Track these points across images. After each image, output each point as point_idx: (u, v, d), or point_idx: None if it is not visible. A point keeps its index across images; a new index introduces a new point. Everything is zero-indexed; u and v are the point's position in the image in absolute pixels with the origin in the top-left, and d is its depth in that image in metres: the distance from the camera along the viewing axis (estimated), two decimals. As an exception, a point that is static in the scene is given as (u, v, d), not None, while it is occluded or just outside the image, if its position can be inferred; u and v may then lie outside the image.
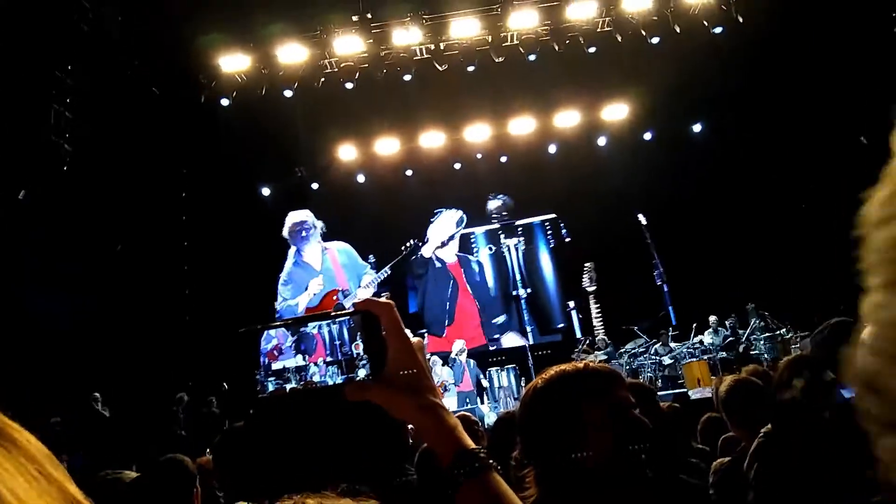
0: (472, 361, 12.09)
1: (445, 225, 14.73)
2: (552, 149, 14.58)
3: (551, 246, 14.53)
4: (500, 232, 14.63)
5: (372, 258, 14.26)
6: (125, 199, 11.45)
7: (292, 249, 14.32)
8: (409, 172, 14.60)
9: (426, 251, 14.55)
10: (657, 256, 11.95)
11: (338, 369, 1.07)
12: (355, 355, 1.05)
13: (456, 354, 11.92)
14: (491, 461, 0.99)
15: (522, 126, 14.13)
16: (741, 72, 12.43)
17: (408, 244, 13.66)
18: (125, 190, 11.40)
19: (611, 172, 14.02)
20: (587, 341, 12.22)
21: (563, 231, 14.40)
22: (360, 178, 14.61)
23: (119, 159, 11.20)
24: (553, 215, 14.48)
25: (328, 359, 1.08)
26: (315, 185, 14.54)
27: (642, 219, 12.45)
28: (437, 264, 14.61)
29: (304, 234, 14.27)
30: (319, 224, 14.41)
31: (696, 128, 14.36)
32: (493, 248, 14.70)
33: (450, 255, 14.72)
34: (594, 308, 11.23)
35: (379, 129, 13.95)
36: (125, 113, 11.30)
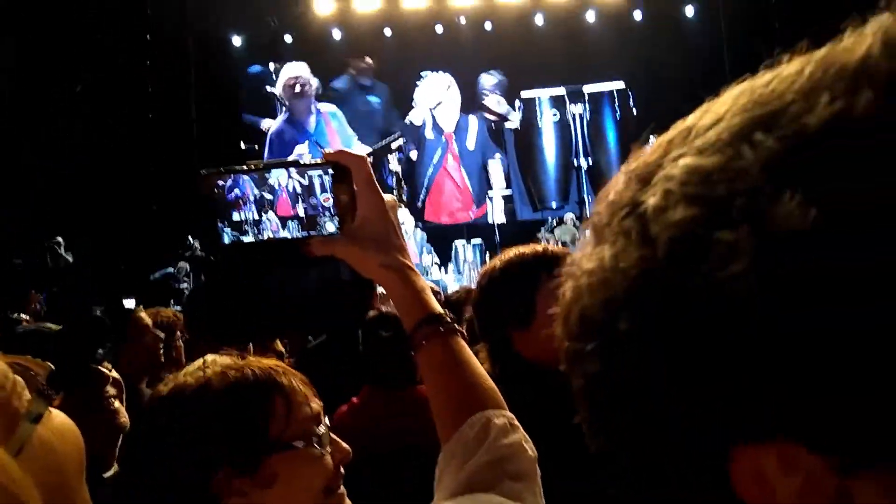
0: (421, 234, 12.08)
1: (433, 89, 14.13)
2: (539, 20, 14.02)
3: (617, 118, 14.14)
4: (566, 98, 14.09)
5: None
6: (85, 40, 10.85)
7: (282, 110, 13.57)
8: (387, 31, 13.96)
9: (415, 117, 14.03)
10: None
11: (297, 224, 1.03)
12: (320, 209, 1.02)
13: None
14: (456, 325, 0.99)
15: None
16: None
17: (395, 134, 12.87)
18: (86, 30, 10.78)
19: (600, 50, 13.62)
20: (553, 222, 12.33)
21: (632, 103, 13.94)
22: (336, 35, 13.95)
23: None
24: (622, 85, 13.92)
25: (292, 213, 1.04)
26: (288, 39, 13.86)
27: None
28: (430, 134, 14.13)
29: (297, 89, 13.40)
30: (316, 81, 13.56)
31: (689, 11, 13.89)
32: (558, 115, 14.27)
33: (449, 122, 14.21)
34: None
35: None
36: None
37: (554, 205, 14.17)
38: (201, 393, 0.99)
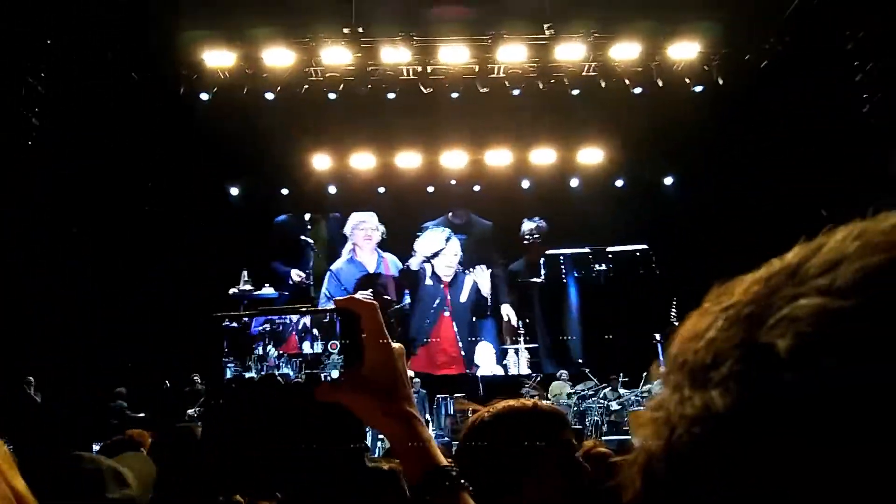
0: (422, 391, 11.93)
1: (432, 239, 14.73)
2: (525, 184, 14.71)
3: (640, 276, 14.41)
4: (590, 256, 14.48)
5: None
6: (88, 181, 11.19)
7: (347, 246, 14.54)
8: (381, 189, 14.56)
9: (413, 263, 14.64)
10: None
11: (301, 363, 1.03)
12: (326, 354, 1.02)
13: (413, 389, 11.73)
14: (462, 480, 0.95)
15: (498, 158, 14.21)
16: (715, 132, 12.75)
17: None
18: (90, 172, 11.14)
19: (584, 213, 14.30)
20: (537, 377, 12.23)
21: (654, 264, 14.25)
22: (332, 189, 14.51)
23: (88, 141, 10.95)
24: (645, 246, 14.34)
25: (299, 351, 1.04)
26: (284, 191, 14.40)
27: None
28: (430, 281, 14.54)
29: (367, 234, 14.48)
30: (382, 228, 14.56)
31: (668, 180, 14.66)
32: (582, 272, 14.61)
33: (448, 273, 14.68)
34: None
35: (356, 143, 13.90)
36: (100, 94, 11.08)
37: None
38: None
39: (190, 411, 9.90)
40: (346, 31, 11.90)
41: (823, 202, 10.96)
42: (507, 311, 14.45)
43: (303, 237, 14.16)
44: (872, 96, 10.73)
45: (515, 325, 14.05)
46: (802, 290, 0.35)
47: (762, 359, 0.34)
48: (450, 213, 14.99)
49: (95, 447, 8.60)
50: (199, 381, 10.95)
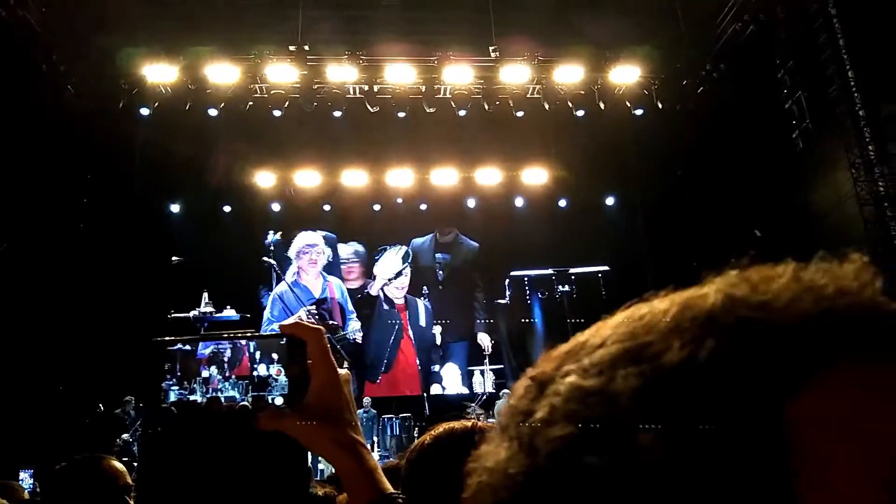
0: (373, 411, 11.83)
1: (391, 262, 14.63)
2: (471, 203, 14.84)
3: (603, 297, 14.42)
4: (553, 277, 14.55)
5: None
6: (21, 196, 10.76)
7: (292, 269, 14.15)
8: (326, 207, 14.45)
9: (373, 290, 14.47)
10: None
11: (247, 386, 1.01)
12: (269, 378, 0.99)
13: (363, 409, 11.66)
14: None
15: (444, 177, 14.32)
16: (655, 154, 13.15)
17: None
18: (23, 187, 10.72)
19: (527, 232, 14.50)
20: (482, 397, 12.28)
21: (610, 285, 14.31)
22: (276, 207, 14.33)
23: (21, 155, 10.55)
24: (607, 268, 14.39)
25: (247, 374, 1.03)
26: (227, 209, 14.13)
27: None
28: (385, 305, 14.45)
29: (312, 258, 14.17)
30: (328, 251, 14.29)
31: (609, 200, 15.01)
32: (546, 294, 14.64)
33: (399, 294, 14.60)
34: None
35: (301, 160, 13.80)
36: (36, 107, 10.70)
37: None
38: None
39: (125, 436, 9.56)
40: (291, 48, 11.84)
41: (757, 222, 11.42)
42: (482, 337, 14.43)
43: (264, 258, 13.85)
44: (800, 123, 11.24)
45: (487, 349, 14.10)
46: (573, 368, 0.40)
47: (529, 425, 0.40)
48: (437, 232, 14.94)
49: (23, 475, 8.22)
50: (133, 403, 10.57)
